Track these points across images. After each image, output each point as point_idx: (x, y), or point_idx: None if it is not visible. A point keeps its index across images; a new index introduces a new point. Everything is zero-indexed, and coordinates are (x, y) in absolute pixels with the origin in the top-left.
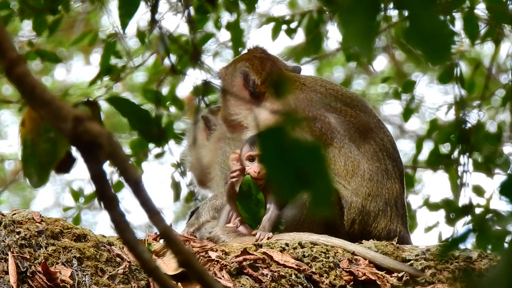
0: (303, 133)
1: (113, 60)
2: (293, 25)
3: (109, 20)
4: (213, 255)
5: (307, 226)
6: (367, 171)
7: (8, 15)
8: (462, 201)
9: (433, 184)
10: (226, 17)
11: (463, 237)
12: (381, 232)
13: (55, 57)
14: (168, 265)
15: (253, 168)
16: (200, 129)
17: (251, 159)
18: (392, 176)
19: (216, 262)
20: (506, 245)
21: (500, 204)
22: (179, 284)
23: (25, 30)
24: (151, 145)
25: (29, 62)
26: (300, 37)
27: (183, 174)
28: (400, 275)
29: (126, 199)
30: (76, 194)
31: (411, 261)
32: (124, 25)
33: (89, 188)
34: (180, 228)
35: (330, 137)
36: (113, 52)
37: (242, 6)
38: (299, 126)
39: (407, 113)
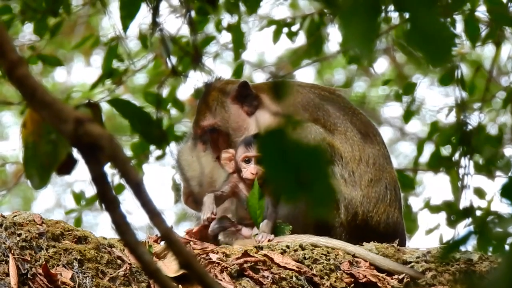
0: (308, 124)
1: (115, 63)
2: (294, 28)
3: (110, 23)
4: (214, 257)
5: (301, 221)
6: (371, 155)
7: (10, 19)
8: (463, 203)
9: (434, 186)
10: (227, 18)
11: (464, 239)
12: (381, 216)
13: (57, 61)
14: (169, 267)
15: (249, 170)
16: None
17: (247, 160)
18: (388, 161)
19: (217, 264)
20: (507, 247)
21: (501, 206)
22: (180, 286)
23: (26, 32)
24: (152, 147)
25: (30, 65)
26: (301, 39)
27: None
28: (400, 277)
29: (127, 200)
30: (78, 197)
31: (412, 263)
32: (125, 27)
33: (90, 189)
34: (181, 230)
35: (334, 122)
36: (115, 56)
37: (242, 8)
38: (302, 120)
39: (408, 115)
